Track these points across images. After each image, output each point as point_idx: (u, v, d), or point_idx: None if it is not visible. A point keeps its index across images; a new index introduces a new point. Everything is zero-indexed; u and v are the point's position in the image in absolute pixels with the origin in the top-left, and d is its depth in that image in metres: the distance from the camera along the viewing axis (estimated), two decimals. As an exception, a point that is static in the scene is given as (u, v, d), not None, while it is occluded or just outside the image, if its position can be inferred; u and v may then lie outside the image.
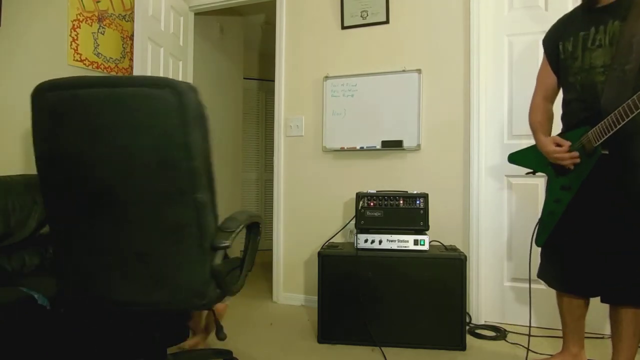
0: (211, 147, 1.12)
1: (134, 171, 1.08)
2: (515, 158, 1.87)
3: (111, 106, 1.07)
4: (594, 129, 1.43)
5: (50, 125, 1.12)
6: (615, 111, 1.34)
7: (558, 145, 1.58)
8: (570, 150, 1.55)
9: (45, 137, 1.14)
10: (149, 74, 2.51)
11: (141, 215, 1.11)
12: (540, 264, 1.73)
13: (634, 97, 1.28)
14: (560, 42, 1.61)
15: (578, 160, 1.53)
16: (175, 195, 1.10)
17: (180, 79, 2.94)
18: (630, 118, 1.31)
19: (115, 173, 1.09)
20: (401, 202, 2.12)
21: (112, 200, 1.11)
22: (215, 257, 1.16)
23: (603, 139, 1.41)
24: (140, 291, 1.17)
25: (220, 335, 1.42)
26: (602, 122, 1.40)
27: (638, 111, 1.28)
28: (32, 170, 1.70)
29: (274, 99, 2.87)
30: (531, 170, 1.81)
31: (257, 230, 1.41)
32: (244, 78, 4.21)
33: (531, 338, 1.80)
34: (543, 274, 1.72)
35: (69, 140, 1.10)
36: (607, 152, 1.43)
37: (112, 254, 1.16)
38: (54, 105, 1.11)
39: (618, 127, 1.35)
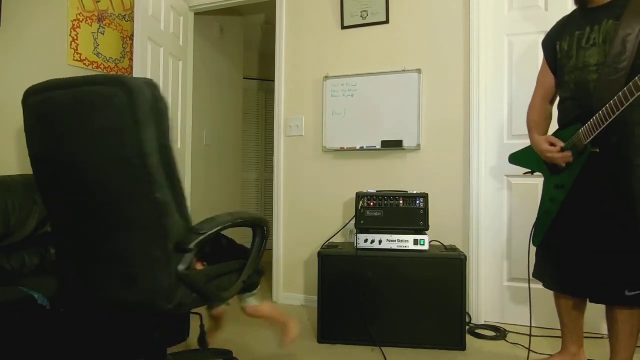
0: (170, 143, 1.07)
1: (98, 172, 1.08)
2: (515, 158, 1.87)
3: (71, 108, 1.07)
4: (584, 126, 1.44)
5: (32, 128, 1.16)
6: (603, 108, 1.35)
7: (551, 144, 1.59)
8: (563, 150, 1.55)
9: (30, 140, 1.18)
10: (149, 74, 2.51)
11: (110, 216, 1.11)
12: (536, 263, 1.74)
13: (619, 94, 1.29)
14: (557, 43, 1.62)
15: (571, 159, 1.53)
16: (136, 195, 1.07)
17: (180, 79, 2.94)
18: (617, 115, 1.32)
19: (84, 174, 1.10)
20: (401, 202, 2.12)
21: (88, 200, 1.12)
22: (182, 260, 1.09)
23: (592, 137, 1.42)
24: (115, 291, 1.17)
25: (203, 344, 1.39)
26: (591, 120, 1.40)
27: (624, 107, 1.29)
28: (29, 170, 1.69)
29: (274, 99, 2.87)
30: (529, 170, 1.82)
31: (262, 233, 1.33)
32: (244, 78, 4.21)
33: (531, 338, 1.80)
34: (539, 274, 1.72)
35: (45, 143, 1.13)
36: (597, 151, 1.44)
37: (93, 253, 1.17)
38: (34, 108, 1.14)
39: (606, 124, 1.36)
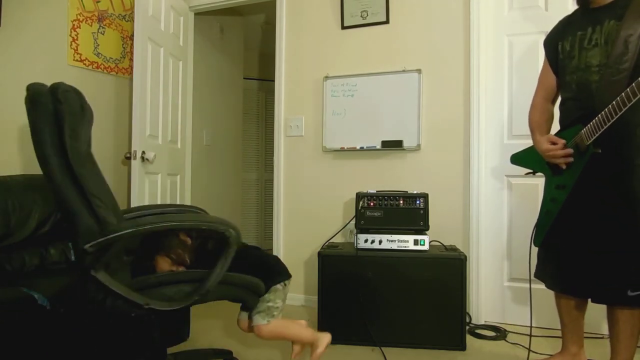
0: (72, 143, 1.08)
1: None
2: (517, 158, 1.87)
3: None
4: (586, 127, 1.44)
5: None
6: (605, 109, 1.35)
7: (553, 143, 1.59)
8: (565, 147, 1.55)
9: None
10: (148, 74, 2.51)
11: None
12: (537, 263, 1.74)
13: (622, 95, 1.29)
14: (559, 42, 1.62)
15: (571, 159, 1.54)
16: (55, 194, 1.12)
17: (180, 79, 2.94)
18: (619, 115, 1.32)
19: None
20: (401, 202, 2.12)
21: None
22: (90, 260, 1.05)
23: (595, 137, 1.42)
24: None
25: None
26: (594, 120, 1.40)
27: (626, 108, 1.29)
28: (30, 169, 1.70)
29: (274, 99, 2.87)
30: (531, 171, 1.82)
31: (226, 243, 1.17)
32: (244, 78, 4.21)
33: (531, 338, 1.80)
34: (540, 274, 1.72)
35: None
36: (599, 151, 1.44)
37: None
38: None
39: (608, 124, 1.36)
